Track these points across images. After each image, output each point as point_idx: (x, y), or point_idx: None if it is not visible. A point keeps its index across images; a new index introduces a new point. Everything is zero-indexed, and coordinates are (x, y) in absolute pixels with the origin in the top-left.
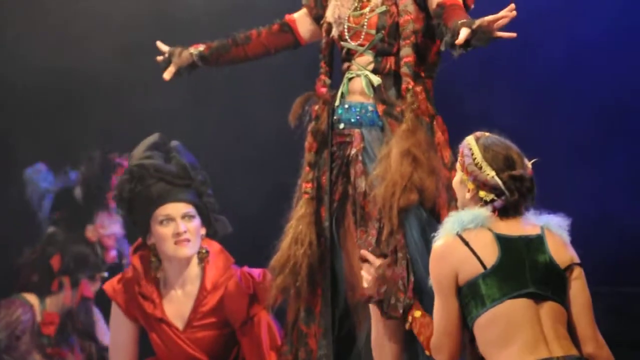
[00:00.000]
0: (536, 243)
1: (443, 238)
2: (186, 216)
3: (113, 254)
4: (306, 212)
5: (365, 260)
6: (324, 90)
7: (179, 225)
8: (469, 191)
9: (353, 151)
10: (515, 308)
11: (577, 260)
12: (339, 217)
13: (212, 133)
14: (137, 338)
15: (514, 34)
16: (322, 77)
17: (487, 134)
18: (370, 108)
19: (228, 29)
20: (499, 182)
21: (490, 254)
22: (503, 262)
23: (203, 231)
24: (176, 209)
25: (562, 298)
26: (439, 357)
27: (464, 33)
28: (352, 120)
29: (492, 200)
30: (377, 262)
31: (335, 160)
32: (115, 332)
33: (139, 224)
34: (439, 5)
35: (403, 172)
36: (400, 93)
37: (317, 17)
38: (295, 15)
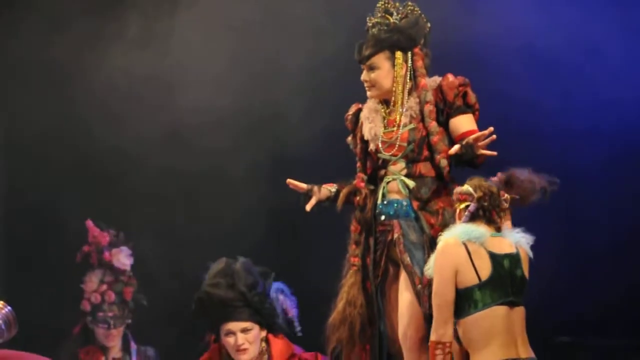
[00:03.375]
0: (515, 259)
1: (452, 239)
2: (244, 330)
3: None
4: (356, 280)
5: None
6: (362, 184)
7: (238, 339)
8: (457, 212)
9: (395, 236)
10: (498, 313)
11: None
12: (382, 289)
13: None
14: None
15: (494, 153)
16: (360, 174)
17: None
18: (404, 203)
19: None
20: (470, 188)
21: (485, 268)
22: (494, 276)
23: (264, 333)
24: (235, 325)
25: (524, 301)
26: (442, 339)
27: (455, 148)
28: (391, 213)
29: (467, 207)
30: None
31: (378, 244)
32: None
33: (213, 329)
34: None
35: None
36: (428, 191)
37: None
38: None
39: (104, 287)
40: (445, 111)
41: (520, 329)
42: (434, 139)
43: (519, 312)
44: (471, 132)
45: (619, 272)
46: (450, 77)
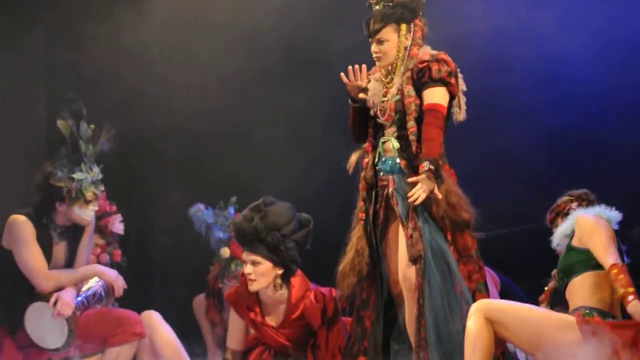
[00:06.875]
0: None
1: (605, 218)
2: (254, 262)
3: None
4: (362, 233)
5: None
6: (371, 148)
7: (247, 268)
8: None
9: (390, 190)
10: None
11: None
12: (381, 235)
13: None
14: (246, 328)
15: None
16: (371, 139)
17: None
18: (397, 161)
19: None
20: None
21: None
22: None
23: (280, 271)
24: (247, 255)
25: None
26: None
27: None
28: (387, 169)
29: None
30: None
31: (378, 197)
32: (232, 324)
33: None
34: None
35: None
36: (414, 152)
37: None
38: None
39: (98, 250)
40: (418, 85)
41: None
42: (407, 100)
43: None
44: (428, 106)
45: None
46: (425, 54)
